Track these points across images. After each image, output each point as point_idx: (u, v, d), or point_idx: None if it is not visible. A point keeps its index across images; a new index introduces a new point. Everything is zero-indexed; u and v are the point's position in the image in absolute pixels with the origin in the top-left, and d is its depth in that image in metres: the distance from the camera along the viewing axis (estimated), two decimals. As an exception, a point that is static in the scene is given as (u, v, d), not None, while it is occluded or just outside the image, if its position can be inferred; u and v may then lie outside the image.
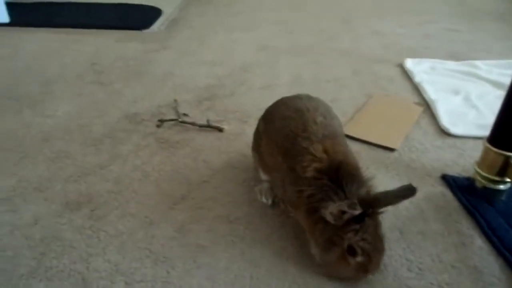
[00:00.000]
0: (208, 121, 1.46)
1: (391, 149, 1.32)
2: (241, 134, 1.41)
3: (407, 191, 0.78)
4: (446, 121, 1.46)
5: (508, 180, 1.04)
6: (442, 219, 1.04)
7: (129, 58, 2.10)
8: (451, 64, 1.93)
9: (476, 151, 1.22)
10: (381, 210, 0.80)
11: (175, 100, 1.64)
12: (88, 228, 1.00)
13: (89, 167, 1.24)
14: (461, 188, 1.13)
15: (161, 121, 1.49)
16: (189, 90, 1.75)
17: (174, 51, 2.20)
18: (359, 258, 0.78)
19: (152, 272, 0.88)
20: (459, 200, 1.10)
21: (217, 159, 1.28)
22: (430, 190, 1.15)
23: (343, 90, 1.75)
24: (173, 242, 0.96)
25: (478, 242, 0.96)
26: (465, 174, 1.20)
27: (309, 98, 1.03)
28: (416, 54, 2.09)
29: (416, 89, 1.74)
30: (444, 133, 1.42)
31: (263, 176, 1.09)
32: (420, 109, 1.57)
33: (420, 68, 1.88)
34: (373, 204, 0.78)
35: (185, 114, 1.54)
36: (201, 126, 1.46)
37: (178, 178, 1.20)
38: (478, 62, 1.93)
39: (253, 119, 1.50)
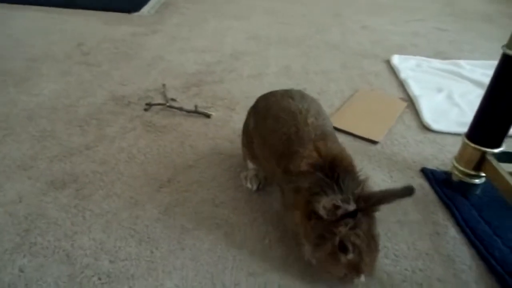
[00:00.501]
0: (196, 106, 1.47)
1: (374, 142, 1.36)
2: (229, 121, 1.43)
3: (405, 191, 0.75)
4: (428, 117, 1.50)
5: (483, 174, 1.09)
6: (419, 209, 1.08)
7: (117, 40, 2.08)
8: (436, 63, 1.98)
9: (455, 147, 1.26)
10: (376, 207, 0.77)
11: (163, 85, 1.63)
12: (73, 207, 1.01)
13: (75, 147, 1.24)
14: (439, 181, 1.17)
15: (149, 104, 1.49)
16: (178, 75, 1.75)
17: (163, 35, 2.18)
18: (350, 256, 0.75)
19: (136, 251, 0.89)
20: (436, 192, 1.14)
21: (203, 144, 1.29)
22: (410, 182, 1.19)
23: (330, 83, 1.77)
24: (158, 223, 0.98)
25: (452, 232, 1.01)
26: (443, 168, 1.24)
27: (301, 97, 1.00)
28: (403, 51, 2.13)
29: (401, 85, 1.78)
30: (426, 128, 1.46)
31: (250, 165, 1.11)
32: (404, 104, 1.61)
33: (406, 65, 1.92)
34: (369, 200, 0.75)
35: (173, 99, 1.54)
36: (188, 111, 1.46)
37: (164, 161, 1.20)
38: (462, 62, 1.98)
39: (241, 106, 1.51)
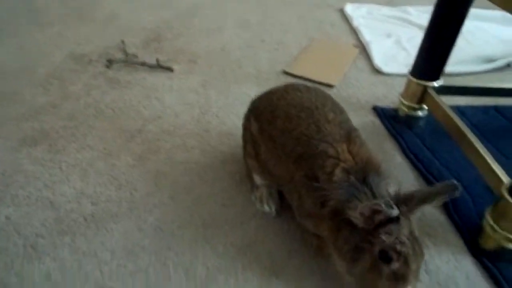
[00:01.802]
0: (157, 61, 1.49)
1: (330, 86, 1.46)
2: (192, 73, 1.47)
3: (448, 188, 0.66)
4: (379, 61, 1.61)
5: (425, 107, 1.22)
6: (370, 142, 1.16)
7: (68, -2, 2.00)
8: (386, 10, 2.08)
9: (403, 87, 1.39)
10: (417, 209, 0.68)
11: (122, 41, 1.62)
12: (49, 160, 1.04)
13: (40, 106, 1.25)
14: (388, 117, 1.30)
15: (110, 61, 1.49)
16: (136, 32, 1.74)
17: (116, -8, 2.12)
18: (395, 265, 0.65)
19: (116, 194, 0.96)
20: (385, 126, 1.27)
21: (169, 96, 1.34)
22: (363, 119, 1.31)
23: (288, 34, 1.83)
24: (134, 169, 1.04)
25: (399, 159, 1.14)
26: (392, 105, 1.37)
27: (308, 89, 0.90)
28: (357, 0, 2.20)
29: (354, 32, 1.87)
30: (377, 71, 1.58)
31: (258, 180, 0.96)
32: (356, 50, 1.71)
33: (358, 13, 2.00)
34: (410, 202, 0.66)
35: (134, 55, 1.55)
36: (151, 66, 1.48)
37: (132, 114, 1.24)
38: (410, 8, 2.09)
39: (202, 59, 1.55)
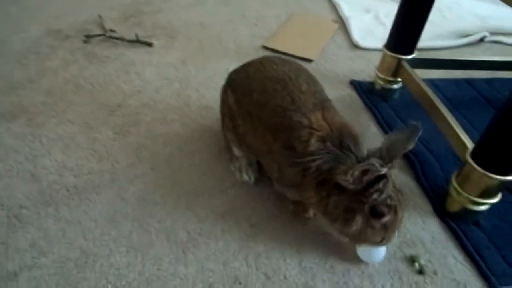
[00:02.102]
0: (136, 36, 1.48)
1: (309, 60, 1.48)
2: (171, 49, 1.47)
3: (413, 131, 0.70)
4: (357, 36, 1.64)
5: (400, 80, 1.26)
6: (347, 114, 1.21)
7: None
8: (366, -15, 2.09)
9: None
10: (397, 159, 0.70)
11: (100, 16, 1.60)
12: (29, 134, 1.05)
13: (17, 81, 1.24)
14: (364, 90, 1.34)
15: (88, 36, 1.47)
16: (114, 6, 1.71)
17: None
18: (386, 218, 0.71)
19: (98, 166, 0.98)
20: (362, 99, 1.31)
21: (149, 71, 1.34)
22: (340, 93, 1.35)
23: (268, 9, 1.83)
24: (115, 142, 1.05)
25: (373, 130, 1.19)
26: (369, 79, 1.41)
27: (283, 62, 0.91)
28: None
29: (334, 7, 1.88)
30: (355, 46, 1.61)
31: (237, 152, 0.98)
32: (335, 25, 1.72)
33: (338, -12, 2.01)
34: (391, 156, 0.68)
35: (112, 30, 1.53)
36: (130, 41, 1.47)
37: (112, 89, 1.25)
38: (389, -16, 2.11)
39: (182, 34, 1.55)
